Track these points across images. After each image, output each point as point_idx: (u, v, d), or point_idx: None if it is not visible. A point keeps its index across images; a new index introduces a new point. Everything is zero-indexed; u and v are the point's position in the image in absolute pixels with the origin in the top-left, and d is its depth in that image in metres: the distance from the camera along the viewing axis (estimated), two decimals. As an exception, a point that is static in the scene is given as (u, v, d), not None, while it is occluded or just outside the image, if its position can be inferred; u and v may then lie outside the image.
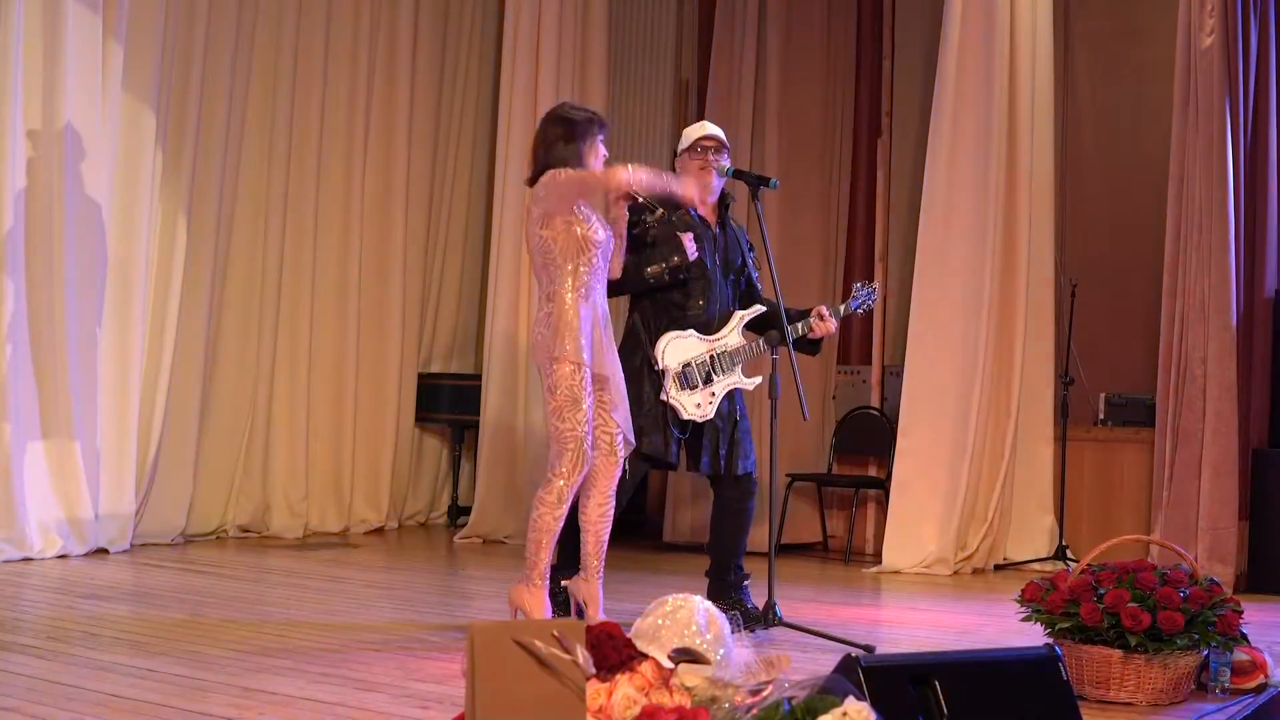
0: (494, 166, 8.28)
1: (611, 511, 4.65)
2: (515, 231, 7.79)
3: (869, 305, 5.39)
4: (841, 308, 5.31)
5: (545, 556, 4.54)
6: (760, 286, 5.33)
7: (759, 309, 5.20)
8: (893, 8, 8.42)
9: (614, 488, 4.63)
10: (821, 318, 5.16)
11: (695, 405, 5.00)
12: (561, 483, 4.47)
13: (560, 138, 4.58)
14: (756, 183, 5.05)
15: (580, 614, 4.64)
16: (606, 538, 4.67)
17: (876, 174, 8.38)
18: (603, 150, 4.66)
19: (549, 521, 4.50)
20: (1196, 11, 6.86)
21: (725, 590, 5.06)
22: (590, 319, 4.52)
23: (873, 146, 8.47)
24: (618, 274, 4.82)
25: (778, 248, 7.55)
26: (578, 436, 4.46)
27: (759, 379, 5.16)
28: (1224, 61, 6.78)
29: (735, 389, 5.10)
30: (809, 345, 5.27)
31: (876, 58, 8.49)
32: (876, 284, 8.19)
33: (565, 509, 4.52)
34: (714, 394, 5.03)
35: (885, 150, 8.37)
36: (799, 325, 5.14)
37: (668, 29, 9.03)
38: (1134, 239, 7.79)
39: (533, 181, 4.61)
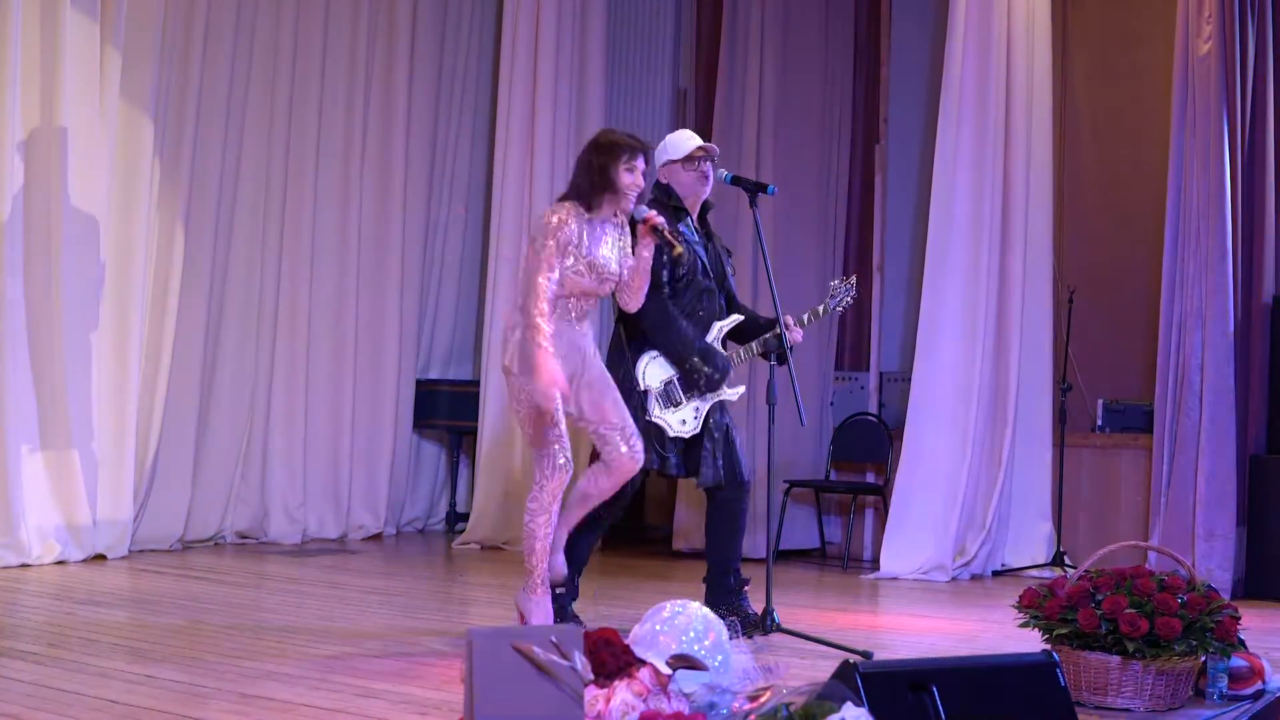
0: (491, 174, 8.30)
1: (595, 501, 4.67)
2: (513, 237, 7.80)
3: (848, 302, 5.27)
4: (821, 308, 5.21)
5: (539, 563, 4.55)
6: (736, 292, 5.27)
7: (736, 318, 5.14)
8: (889, 15, 8.43)
9: (622, 484, 4.64)
10: (788, 327, 5.03)
11: (680, 422, 4.97)
12: (543, 491, 4.50)
13: (587, 160, 4.56)
14: (754, 189, 5.02)
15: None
16: (574, 522, 4.70)
17: (874, 181, 8.39)
18: (627, 178, 4.49)
19: (535, 527, 4.52)
20: (1194, 18, 6.88)
21: (723, 596, 5.04)
22: (565, 333, 4.50)
23: (870, 153, 8.48)
24: (637, 305, 4.73)
25: (775, 254, 7.55)
26: (548, 442, 4.46)
27: (741, 388, 5.14)
28: (1221, 68, 6.79)
29: (720, 399, 5.06)
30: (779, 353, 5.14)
31: (874, 64, 8.50)
32: (876, 279, 8.18)
33: (552, 514, 4.52)
34: (698, 408, 5.00)
35: (882, 157, 8.38)
36: (768, 338, 5.05)
37: (665, 38, 9.04)
38: (1131, 245, 7.80)
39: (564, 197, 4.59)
